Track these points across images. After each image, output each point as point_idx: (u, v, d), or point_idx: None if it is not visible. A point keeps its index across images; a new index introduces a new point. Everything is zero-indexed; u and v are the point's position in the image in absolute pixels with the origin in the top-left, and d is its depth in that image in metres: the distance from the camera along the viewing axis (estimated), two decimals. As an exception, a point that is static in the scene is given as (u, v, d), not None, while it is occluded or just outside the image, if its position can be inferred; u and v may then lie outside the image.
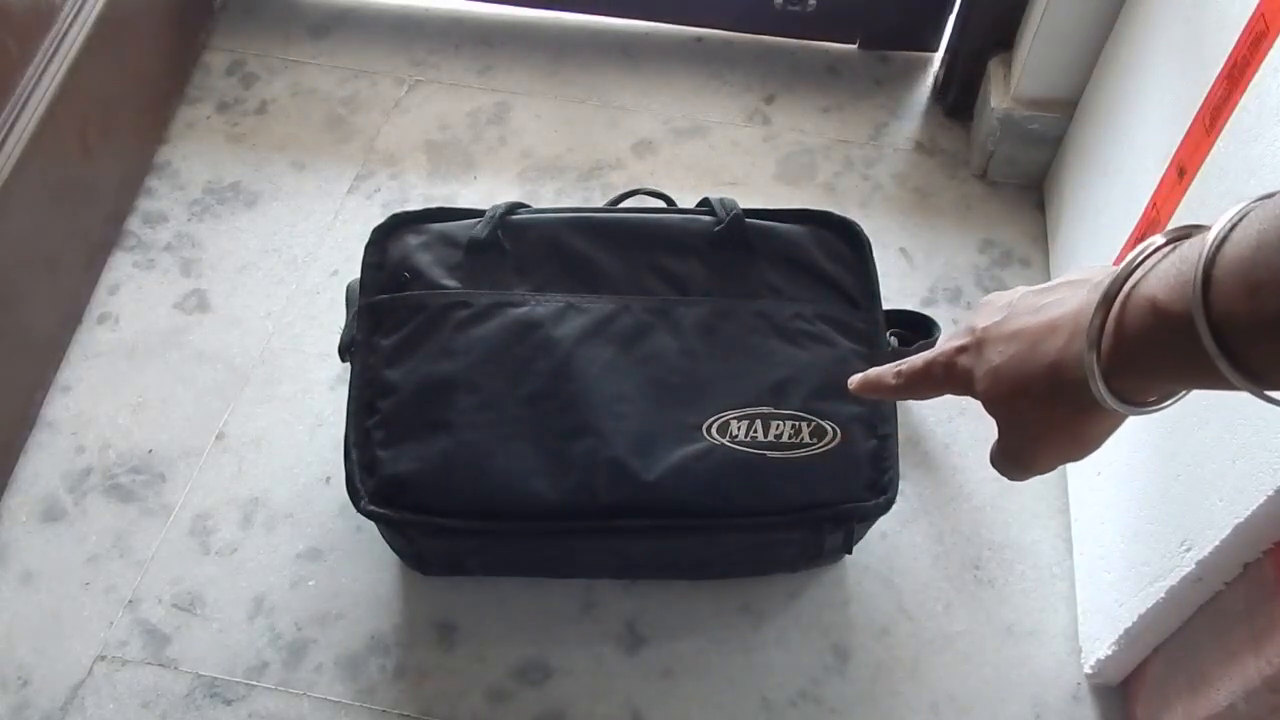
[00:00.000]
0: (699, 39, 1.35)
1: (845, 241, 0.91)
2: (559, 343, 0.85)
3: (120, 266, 1.14)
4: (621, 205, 1.00)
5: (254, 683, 0.90)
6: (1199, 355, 0.38)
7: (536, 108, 1.28)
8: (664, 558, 0.91)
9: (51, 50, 1.04)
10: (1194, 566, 0.72)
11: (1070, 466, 1.00)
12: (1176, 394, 0.44)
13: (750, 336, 0.87)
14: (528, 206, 0.92)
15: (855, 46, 1.33)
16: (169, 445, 1.02)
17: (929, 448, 1.03)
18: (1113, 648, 0.85)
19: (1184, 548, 0.74)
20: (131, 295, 1.12)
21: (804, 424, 0.83)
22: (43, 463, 1.01)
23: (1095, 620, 0.90)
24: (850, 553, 0.90)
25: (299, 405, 1.05)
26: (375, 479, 0.82)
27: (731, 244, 0.90)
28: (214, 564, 0.96)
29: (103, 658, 0.91)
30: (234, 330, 1.10)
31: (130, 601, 0.94)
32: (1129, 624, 0.81)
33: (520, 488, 0.81)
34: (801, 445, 0.83)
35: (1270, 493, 0.64)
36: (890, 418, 0.86)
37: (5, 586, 0.94)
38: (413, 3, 1.38)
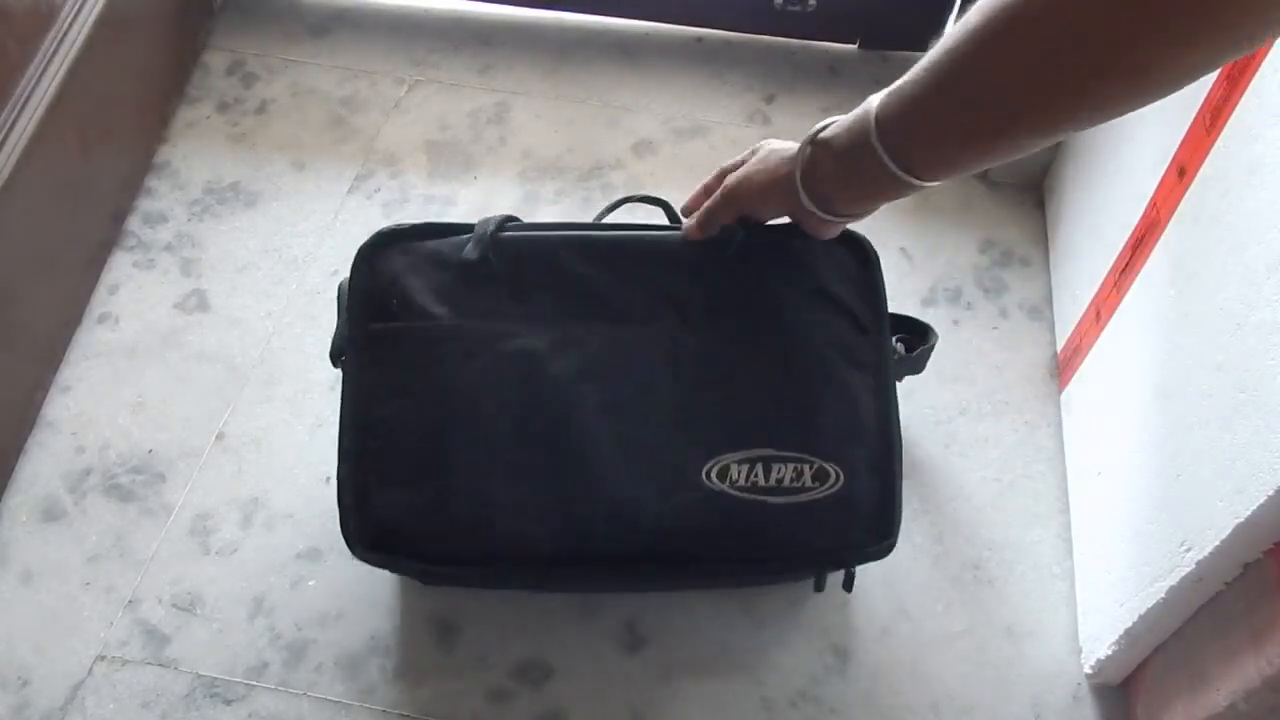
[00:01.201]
0: (699, 39, 1.35)
1: (854, 258, 0.85)
2: (556, 380, 0.80)
3: (120, 266, 1.14)
4: (620, 218, 0.93)
5: (254, 683, 0.90)
6: (876, 167, 0.64)
7: (536, 108, 1.28)
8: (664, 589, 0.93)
9: (51, 50, 1.04)
10: (1194, 566, 0.72)
11: (1071, 466, 1.00)
12: (864, 209, 0.73)
13: (754, 369, 0.82)
14: (518, 220, 0.87)
15: (855, 46, 1.33)
16: (169, 445, 1.02)
17: (929, 448, 1.03)
18: (1113, 648, 0.85)
19: (1184, 548, 0.74)
20: (131, 295, 1.12)
21: (806, 466, 0.80)
22: (43, 463, 1.01)
23: (1095, 620, 0.90)
24: (850, 591, 0.87)
25: (299, 405, 1.05)
26: (368, 524, 0.80)
27: (735, 265, 0.83)
28: (214, 564, 0.96)
29: (103, 658, 0.91)
30: (234, 330, 1.10)
31: (130, 601, 0.94)
32: (1129, 624, 0.81)
33: (516, 536, 0.80)
34: (803, 489, 0.80)
35: (1270, 493, 0.64)
36: (896, 459, 0.83)
37: (5, 586, 0.94)
38: (413, 3, 1.38)
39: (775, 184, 0.74)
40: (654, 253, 0.84)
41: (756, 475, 0.80)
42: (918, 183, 0.63)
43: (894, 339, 0.89)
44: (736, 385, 0.81)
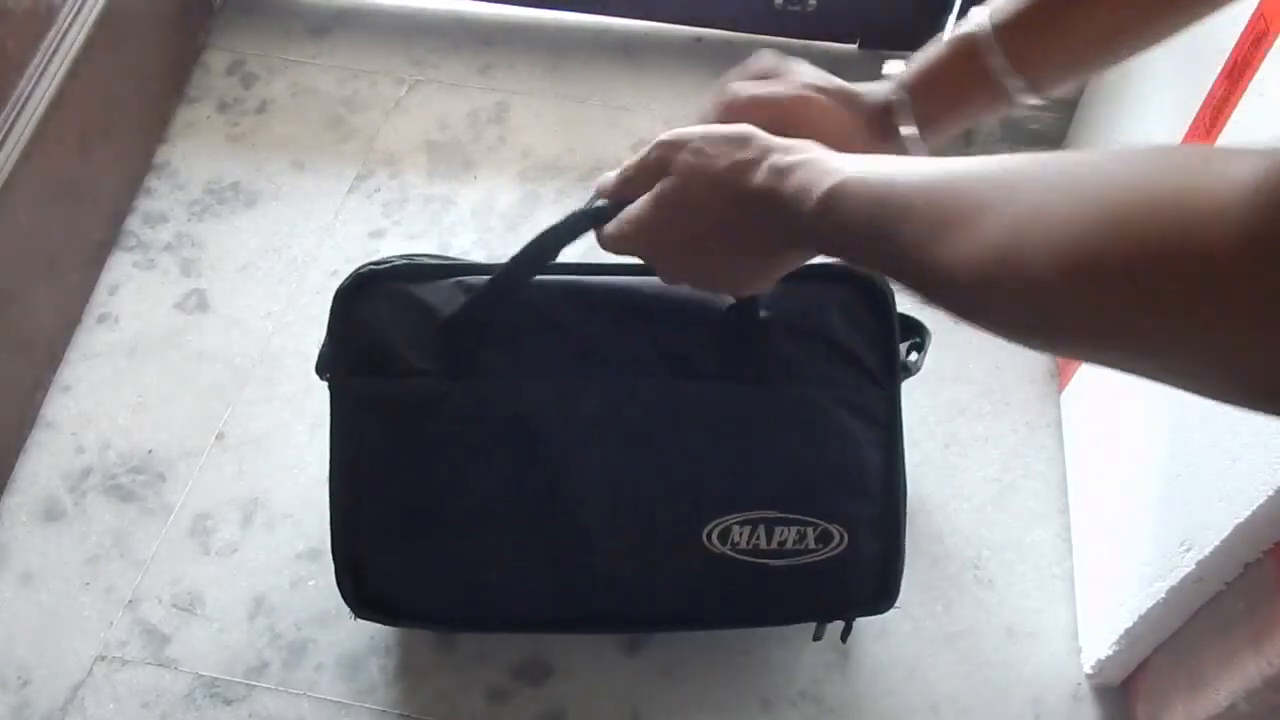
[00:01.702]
0: (699, 39, 1.35)
1: (867, 304, 0.78)
2: (550, 444, 0.76)
3: (120, 266, 1.14)
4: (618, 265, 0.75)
5: (254, 683, 0.90)
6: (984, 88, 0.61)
7: (536, 108, 1.28)
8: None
9: (51, 50, 1.04)
10: (1194, 566, 0.72)
11: (1071, 466, 1.00)
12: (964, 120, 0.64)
13: (757, 427, 0.77)
14: (515, 264, 0.75)
15: (855, 46, 1.33)
16: (169, 445, 1.02)
17: (929, 448, 1.03)
18: (1113, 648, 0.85)
19: (1184, 548, 0.74)
20: (131, 295, 1.12)
21: (810, 529, 0.77)
22: (43, 463, 1.01)
23: (1095, 620, 0.90)
24: (846, 642, 0.88)
25: (299, 405, 1.05)
26: (364, 590, 0.80)
27: (740, 315, 0.77)
28: (214, 564, 0.96)
29: (103, 658, 0.91)
30: (234, 330, 1.10)
31: (130, 601, 0.94)
32: (1129, 624, 0.81)
33: (514, 602, 0.79)
34: (806, 551, 0.77)
35: (1270, 493, 0.64)
36: (901, 516, 0.79)
37: (5, 586, 0.94)
38: (413, 3, 1.38)
39: (848, 117, 0.65)
40: (652, 302, 0.77)
41: (759, 538, 0.76)
42: (1031, 98, 0.62)
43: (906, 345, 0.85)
44: (738, 443, 0.77)
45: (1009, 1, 0.59)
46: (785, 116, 0.62)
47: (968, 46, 0.61)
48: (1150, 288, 0.34)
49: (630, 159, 0.62)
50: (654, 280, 0.73)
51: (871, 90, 0.64)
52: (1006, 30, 0.59)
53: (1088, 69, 0.62)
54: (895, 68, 0.65)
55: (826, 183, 0.49)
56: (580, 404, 0.76)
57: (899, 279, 0.47)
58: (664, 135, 0.59)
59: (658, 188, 0.59)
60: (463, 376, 0.76)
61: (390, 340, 0.76)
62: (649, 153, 0.60)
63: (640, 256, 0.62)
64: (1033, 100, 0.62)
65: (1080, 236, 0.36)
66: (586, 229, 0.65)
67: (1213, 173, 0.33)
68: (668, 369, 0.77)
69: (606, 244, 0.64)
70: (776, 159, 0.53)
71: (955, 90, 0.63)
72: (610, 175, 0.64)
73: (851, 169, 0.50)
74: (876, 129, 0.64)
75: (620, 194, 0.63)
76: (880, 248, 0.47)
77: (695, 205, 0.57)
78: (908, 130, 0.64)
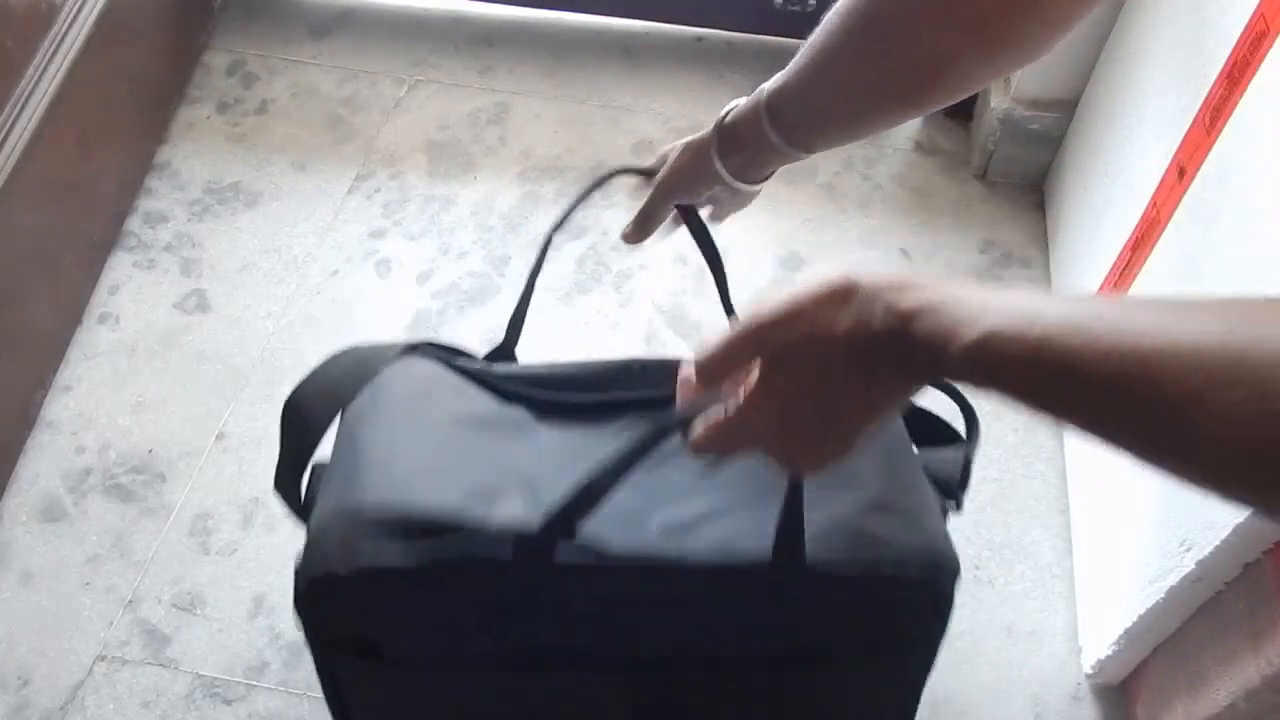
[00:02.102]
0: (699, 39, 1.35)
1: (908, 594, 0.64)
2: None
3: (120, 266, 1.14)
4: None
5: (254, 683, 0.90)
6: (768, 147, 0.70)
7: (536, 108, 1.28)
8: None
9: (51, 50, 1.04)
10: (1194, 566, 0.72)
11: (1071, 466, 1.00)
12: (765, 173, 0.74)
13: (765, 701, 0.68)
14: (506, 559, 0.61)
15: (855, 46, 1.33)
16: (169, 445, 1.02)
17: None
18: (1113, 648, 0.85)
19: (1184, 548, 0.74)
20: (131, 295, 1.12)
21: None
22: (43, 463, 1.01)
23: (1095, 620, 0.90)
24: None
25: (299, 405, 1.04)
26: None
27: (764, 591, 0.64)
28: (214, 564, 0.96)
29: (103, 658, 0.91)
30: (234, 330, 1.10)
31: (130, 601, 0.94)
32: (1129, 624, 0.81)
33: None
34: None
35: (1270, 493, 0.64)
36: None
37: (5, 586, 0.94)
38: (413, 3, 1.38)
39: (695, 163, 0.76)
40: (686, 585, 0.63)
41: None
42: (803, 154, 0.72)
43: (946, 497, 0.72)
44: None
45: (784, 71, 0.70)
46: (679, 184, 0.76)
47: (754, 102, 0.71)
48: None
49: (705, 353, 0.52)
50: (694, 563, 0.62)
51: (704, 127, 0.74)
52: (772, 96, 0.70)
53: (834, 139, 0.70)
54: (734, 103, 0.73)
55: (967, 336, 0.44)
56: (592, 693, 0.68)
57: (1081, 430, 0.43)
58: (744, 321, 0.51)
59: (762, 371, 0.52)
60: (459, 668, 0.66)
61: (370, 636, 0.65)
62: (733, 343, 0.52)
63: (753, 450, 0.55)
64: (800, 156, 0.71)
65: None
66: (654, 445, 0.56)
67: None
68: (680, 661, 0.66)
69: (705, 447, 0.56)
70: (890, 299, 0.47)
71: (748, 138, 0.72)
72: (689, 373, 0.55)
73: (992, 319, 0.44)
74: (705, 163, 0.74)
75: (712, 388, 0.54)
76: (1052, 404, 0.44)
77: (823, 373, 0.50)
78: (719, 168, 0.73)
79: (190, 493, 1.00)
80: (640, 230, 0.80)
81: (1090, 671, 0.89)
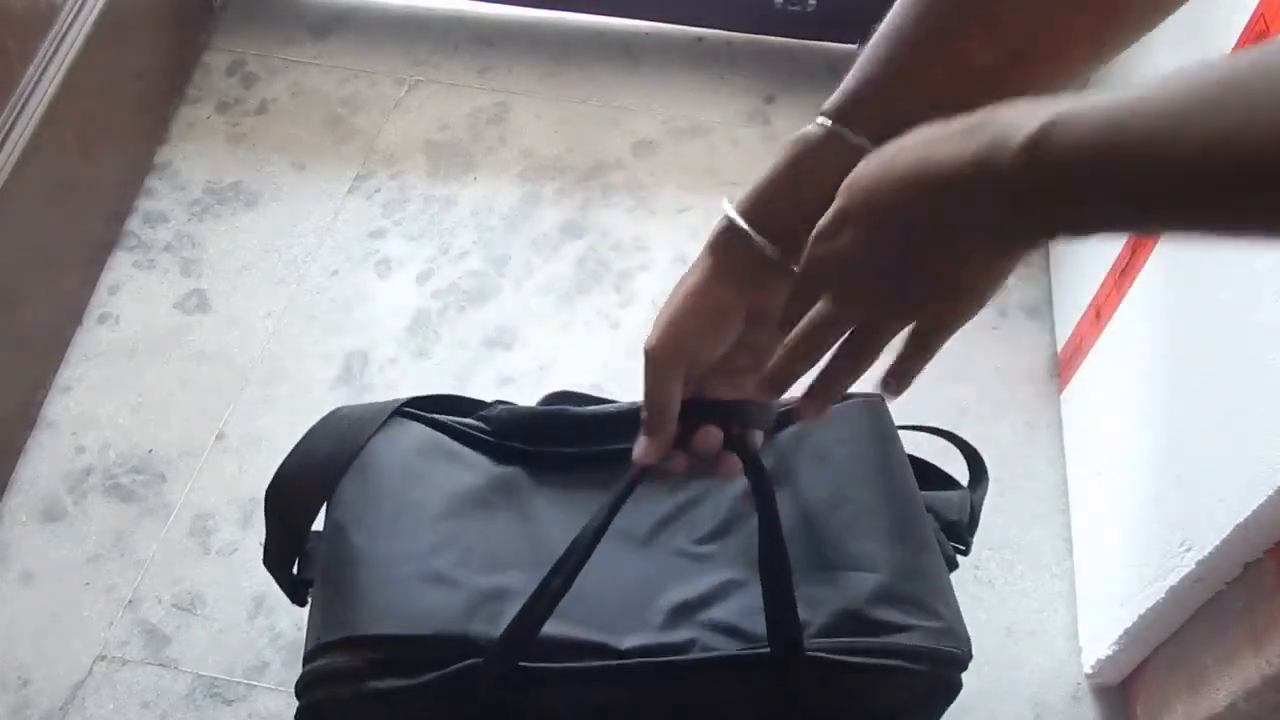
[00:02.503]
0: (699, 39, 1.35)
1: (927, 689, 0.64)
2: None
3: (120, 266, 1.14)
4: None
5: (254, 683, 0.90)
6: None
7: (536, 108, 1.28)
8: None
9: (51, 50, 1.04)
10: (1194, 566, 0.72)
11: (1071, 466, 1.00)
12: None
13: None
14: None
15: (855, 46, 1.33)
16: (169, 445, 1.02)
17: (929, 450, 1.03)
18: (1113, 648, 0.85)
19: (1184, 548, 0.74)
20: (131, 295, 1.12)
21: None
22: (43, 463, 1.01)
23: (1095, 620, 0.90)
24: None
25: (299, 405, 1.04)
26: None
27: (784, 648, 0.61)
28: (214, 564, 0.96)
29: (103, 658, 0.91)
30: (234, 330, 1.10)
31: (130, 601, 0.94)
32: (1129, 624, 0.81)
33: None
34: None
35: (1270, 493, 0.64)
36: None
37: (5, 586, 0.94)
38: (413, 3, 1.38)
39: (735, 297, 0.53)
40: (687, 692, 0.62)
41: None
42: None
43: (950, 541, 0.72)
44: None
45: (841, 90, 0.54)
46: (715, 333, 0.54)
47: (802, 149, 0.52)
48: None
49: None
50: (703, 657, 0.60)
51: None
52: (842, 113, 0.53)
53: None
54: (727, 215, 0.53)
55: (1028, 127, 0.38)
56: None
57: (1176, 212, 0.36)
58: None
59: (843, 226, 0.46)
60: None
61: None
62: (832, 217, 0.46)
63: (855, 314, 0.49)
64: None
65: None
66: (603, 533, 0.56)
67: None
68: None
69: (786, 361, 0.50)
70: (958, 125, 0.42)
71: (812, 199, 0.50)
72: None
73: (1053, 109, 0.38)
74: (769, 291, 0.53)
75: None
76: (1141, 196, 0.36)
77: (890, 213, 0.44)
78: (761, 246, 0.52)
79: (190, 493, 1.00)
80: (658, 429, 0.55)
81: (1090, 671, 0.89)
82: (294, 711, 0.64)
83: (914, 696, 0.64)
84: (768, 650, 0.60)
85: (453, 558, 0.63)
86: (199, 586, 0.95)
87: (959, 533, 0.71)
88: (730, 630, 0.62)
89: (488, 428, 0.70)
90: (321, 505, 0.68)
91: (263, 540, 0.70)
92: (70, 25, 1.07)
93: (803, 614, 0.60)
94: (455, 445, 0.69)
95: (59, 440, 1.03)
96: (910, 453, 0.73)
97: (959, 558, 0.73)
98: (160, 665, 0.91)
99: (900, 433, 0.73)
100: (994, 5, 0.48)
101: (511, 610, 0.59)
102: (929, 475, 0.74)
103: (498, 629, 0.59)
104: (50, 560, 0.96)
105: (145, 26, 1.21)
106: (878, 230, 0.45)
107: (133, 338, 1.09)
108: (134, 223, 1.18)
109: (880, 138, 0.47)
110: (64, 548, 0.96)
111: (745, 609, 0.62)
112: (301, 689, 0.63)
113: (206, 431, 1.03)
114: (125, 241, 1.16)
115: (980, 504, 0.73)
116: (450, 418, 0.71)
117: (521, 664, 0.59)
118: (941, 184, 0.42)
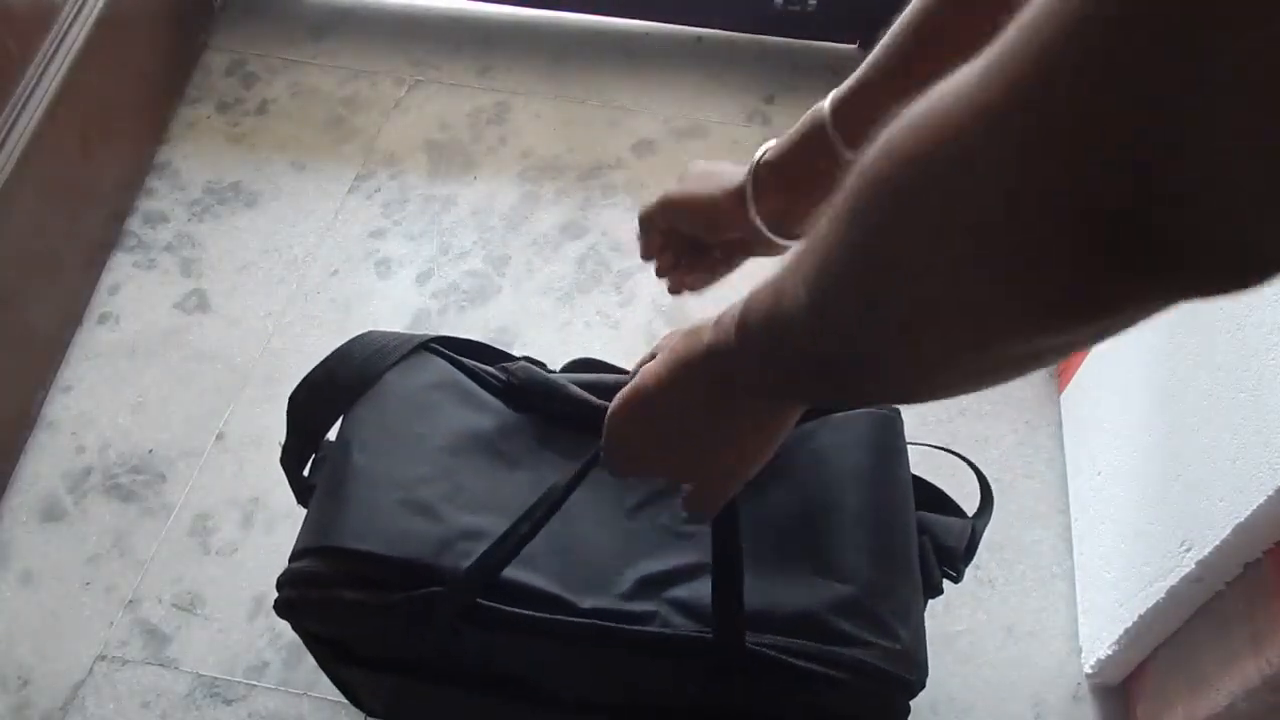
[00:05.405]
0: (699, 39, 1.35)
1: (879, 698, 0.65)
2: None
3: (120, 266, 1.14)
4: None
5: (254, 683, 0.90)
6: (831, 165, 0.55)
7: (536, 108, 1.28)
8: None
9: (51, 50, 1.04)
10: (1194, 566, 0.72)
11: (1071, 466, 1.00)
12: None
13: None
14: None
15: (855, 46, 1.33)
16: (169, 445, 1.02)
17: (928, 449, 1.03)
18: (1113, 648, 0.85)
19: (1184, 548, 0.74)
20: (131, 295, 1.12)
21: None
22: (43, 463, 1.01)
23: (1095, 620, 0.90)
24: None
25: (299, 405, 1.05)
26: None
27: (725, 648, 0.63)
28: (214, 564, 0.96)
29: (103, 658, 0.91)
30: (234, 330, 1.10)
31: (130, 601, 0.94)
32: (1129, 624, 0.81)
33: None
34: None
35: (1270, 493, 0.64)
36: None
37: (5, 586, 0.94)
38: (413, 3, 1.38)
39: (721, 201, 0.63)
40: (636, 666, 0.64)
41: None
42: None
43: (940, 565, 0.72)
44: None
45: (848, 81, 0.59)
46: (694, 215, 0.63)
47: (815, 125, 0.58)
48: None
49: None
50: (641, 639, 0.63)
51: (735, 175, 0.62)
52: (840, 107, 0.58)
53: None
54: (768, 144, 0.61)
55: (737, 309, 0.44)
56: None
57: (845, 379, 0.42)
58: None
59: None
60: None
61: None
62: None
63: (629, 466, 0.57)
64: None
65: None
66: (566, 497, 0.61)
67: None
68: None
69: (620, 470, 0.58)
70: (709, 321, 0.48)
71: (803, 171, 0.59)
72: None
73: (750, 297, 0.44)
74: (739, 216, 0.61)
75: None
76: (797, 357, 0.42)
77: (659, 398, 0.52)
78: (754, 217, 0.60)
79: (190, 493, 1.00)
80: (644, 237, 0.67)
81: (1090, 671, 0.89)
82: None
83: (858, 713, 0.65)
84: (710, 636, 0.61)
85: (441, 491, 0.66)
86: (199, 586, 0.95)
87: (953, 559, 0.72)
88: (691, 611, 0.63)
89: (505, 378, 0.73)
90: (336, 419, 0.71)
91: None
92: (70, 25, 1.07)
93: (764, 607, 0.62)
94: (471, 386, 0.72)
95: (59, 440, 1.03)
96: (922, 474, 0.73)
97: (946, 584, 0.73)
98: (160, 665, 0.91)
99: (916, 448, 0.73)
100: (982, 18, 0.51)
101: (482, 550, 0.62)
102: (933, 498, 0.74)
103: (463, 569, 0.62)
104: (50, 560, 0.96)
105: (145, 26, 1.21)
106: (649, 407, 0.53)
107: (133, 338, 1.09)
108: (134, 223, 1.18)
109: (852, 138, 0.56)
110: (64, 548, 0.96)
111: (707, 590, 0.63)
112: (281, 583, 0.67)
113: (206, 431, 1.03)
114: (125, 241, 1.16)
115: (981, 532, 0.73)
116: (472, 361, 0.74)
117: (480, 601, 0.62)
118: (696, 371, 0.49)
